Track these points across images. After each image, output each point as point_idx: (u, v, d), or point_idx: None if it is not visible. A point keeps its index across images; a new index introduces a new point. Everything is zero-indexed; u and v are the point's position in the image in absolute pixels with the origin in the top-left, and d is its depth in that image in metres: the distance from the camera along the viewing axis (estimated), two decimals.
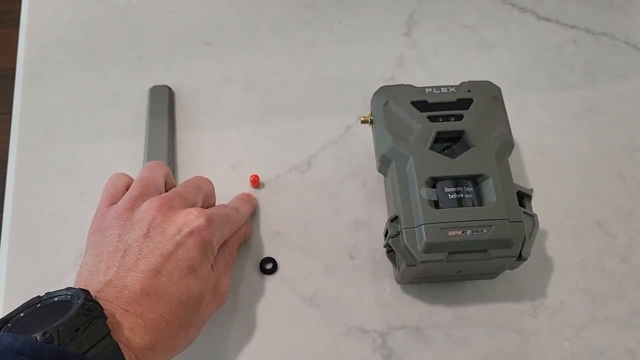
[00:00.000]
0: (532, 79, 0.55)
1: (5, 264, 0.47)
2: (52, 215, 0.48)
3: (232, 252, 0.44)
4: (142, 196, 0.40)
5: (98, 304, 0.33)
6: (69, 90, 0.55)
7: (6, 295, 0.46)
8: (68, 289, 0.34)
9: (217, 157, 0.51)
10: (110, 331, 0.32)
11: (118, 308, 0.34)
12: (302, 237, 0.47)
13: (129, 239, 0.37)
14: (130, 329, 0.33)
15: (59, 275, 0.46)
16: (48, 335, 0.29)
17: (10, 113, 0.54)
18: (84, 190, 0.49)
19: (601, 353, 0.43)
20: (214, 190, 0.45)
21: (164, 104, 0.52)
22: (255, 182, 0.49)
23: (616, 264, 0.46)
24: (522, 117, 0.52)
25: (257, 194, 0.49)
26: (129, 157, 0.51)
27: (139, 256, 0.36)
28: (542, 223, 0.46)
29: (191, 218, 0.38)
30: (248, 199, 0.48)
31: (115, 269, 0.36)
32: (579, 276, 0.46)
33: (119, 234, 0.38)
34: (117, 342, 0.32)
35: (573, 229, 0.48)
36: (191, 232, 0.38)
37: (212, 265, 0.40)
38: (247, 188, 0.49)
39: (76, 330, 0.30)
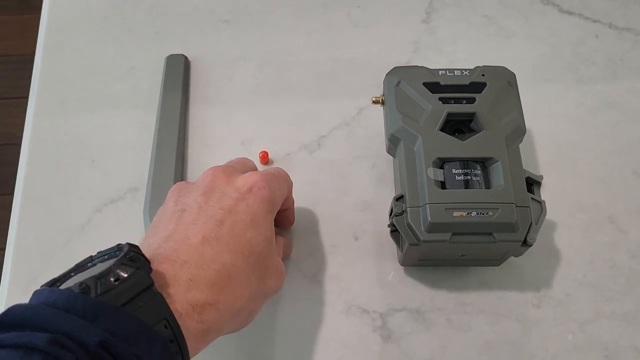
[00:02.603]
0: (551, 71, 0.54)
1: (16, 226, 0.48)
2: (62, 181, 0.49)
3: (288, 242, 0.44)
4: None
5: (143, 256, 0.31)
6: (86, 61, 0.55)
7: (14, 257, 0.46)
8: (118, 245, 0.32)
9: (228, 132, 0.51)
10: (153, 282, 0.30)
11: (177, 260, 0.32)
12: (309, 215, 0.47)
13: (187, 200, 0.36)
14: (189, 281, 0.32)
15: (66, 238, 0.47)
16: (85, 285, 0.28)
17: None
18: (95, 158, 0.50)
19: (605, 347, 0.42)
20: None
21: (179, 74, 0.53)
22: (265, 159, 0.49)
23: (626, 259, 0.45)
24: (539, 108, 0.51)
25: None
26: (141, 128, 0.51)
27: (199, 211, 0.35)
28: (553, 215, 0.45)
29: (250, 179, 0.38)
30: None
31: (173, 225, 0.35)
32: (587, 270, 0.45)
33: (176, 199, 0.37)
34: (161, 294, 0.30)
35: (584, 222, 0.47)
36: (250, 189, 0.37)
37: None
38: (257, 164, 0.49)
39: (116, 281, 0.28)
